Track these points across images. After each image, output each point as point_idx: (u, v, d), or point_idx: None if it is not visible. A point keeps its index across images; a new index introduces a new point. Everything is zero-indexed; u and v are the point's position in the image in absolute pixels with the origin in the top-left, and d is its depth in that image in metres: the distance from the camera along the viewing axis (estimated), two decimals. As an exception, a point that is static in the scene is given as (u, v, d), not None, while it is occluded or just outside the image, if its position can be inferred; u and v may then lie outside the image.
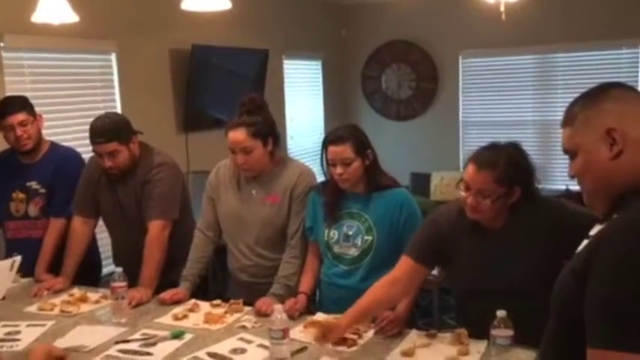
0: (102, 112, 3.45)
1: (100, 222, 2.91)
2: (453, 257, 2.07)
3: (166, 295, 2.48)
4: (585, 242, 1.22)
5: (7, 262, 2.22)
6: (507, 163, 1.91)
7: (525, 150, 2.02)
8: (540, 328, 1.30)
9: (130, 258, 2.62)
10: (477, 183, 1.92)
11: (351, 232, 2.36)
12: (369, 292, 2.04)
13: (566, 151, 1.30)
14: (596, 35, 5.67)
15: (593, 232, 1.24)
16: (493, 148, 1.98)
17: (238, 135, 2.41)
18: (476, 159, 1.95)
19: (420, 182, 5.98)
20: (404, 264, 2.06)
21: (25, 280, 2.80)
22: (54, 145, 3.03)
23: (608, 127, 1.19)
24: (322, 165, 2.38)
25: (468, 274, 2.05)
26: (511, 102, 6.30)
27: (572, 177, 1.30)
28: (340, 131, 2.33)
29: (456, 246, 2.05)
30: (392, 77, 6.72)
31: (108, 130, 2.60)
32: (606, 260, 1.08)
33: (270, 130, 2.48)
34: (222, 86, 4.75)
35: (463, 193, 1.96)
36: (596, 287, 1.08)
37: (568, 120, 1.28)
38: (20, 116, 2.82)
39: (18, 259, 2.20)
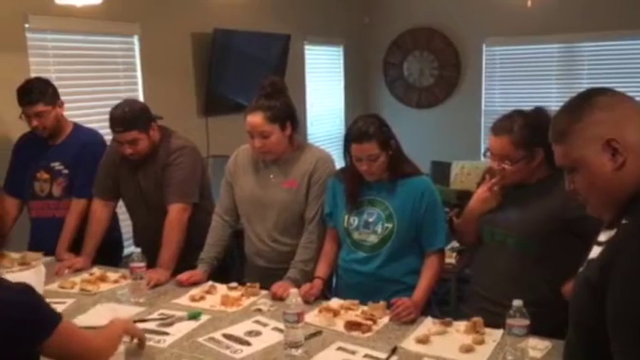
0: (124, 94, 3.50)
1: (121, 203, 2.95)
2: None
3: (184, 276, 2.51)
4: (597, 249, 1.20)
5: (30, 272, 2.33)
6: (522, 127, 2.04)
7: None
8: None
9: (149, 240, 2.66)
10: (496, 149, 2.10)
11: (371, 219, 2.34)
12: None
13: (562, 168, 1.27)
14: (623, 24, 5.54)
15: (602, 237, 1.22)
16: (509, 115, 2.12)
17: (256, 119, 2.41)
18: (494, 127, 2.13)
19: (441, 171, 5.93)
20: None
21: (47, 259, 2.85)
22: (77, 127, 3.07)
23: (607, 137, 1.16)
24: (345, 158, 2.34)
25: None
26: (535, 91, 6.17)
27: (573, 192, 1.26)
28: (364, 127, 2.24)
29: None
30: (414, 64, 6.65)
31: (127, 119, 2.61)
32: (623, 271, 1.06)
33: (288, 114, 2.46)
34: (243, 70, 4.75)
35: (489, 161, 2.14)
36: (617, 300, 1.06)
37: (558, 136, 1.25)
38: (37, 107, 2.85)
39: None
